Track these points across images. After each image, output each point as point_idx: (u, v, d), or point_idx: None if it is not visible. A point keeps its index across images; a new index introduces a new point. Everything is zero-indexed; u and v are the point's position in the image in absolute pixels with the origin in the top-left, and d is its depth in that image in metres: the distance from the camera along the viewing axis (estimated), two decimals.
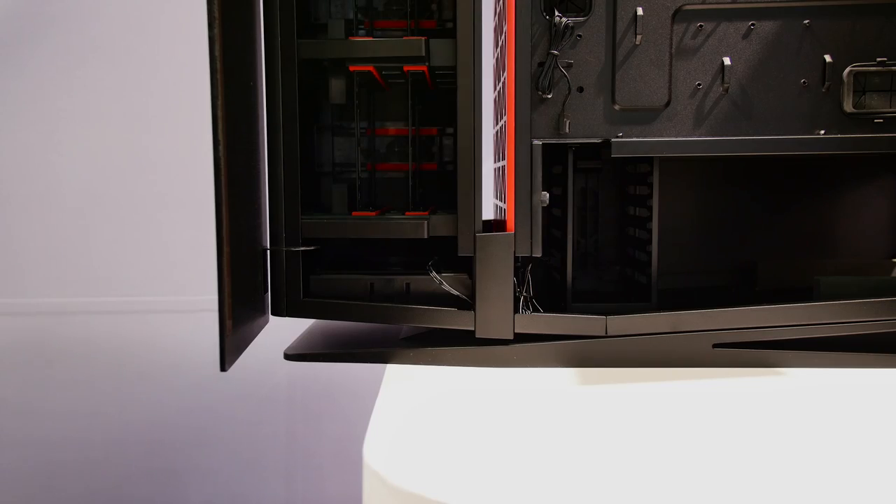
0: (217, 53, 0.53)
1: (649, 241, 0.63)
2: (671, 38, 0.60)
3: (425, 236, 0.62)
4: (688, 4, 0.60)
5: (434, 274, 0.62)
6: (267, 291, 0.63)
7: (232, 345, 0.54)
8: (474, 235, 0.60)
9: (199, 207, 1.20)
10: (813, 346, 0.61)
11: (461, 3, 0.59)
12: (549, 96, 0.60)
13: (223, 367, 0.53)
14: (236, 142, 0.56)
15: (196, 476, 1.32)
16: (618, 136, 0.60)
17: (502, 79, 0.64)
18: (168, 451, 1.31)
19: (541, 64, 0.60)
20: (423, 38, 0.60)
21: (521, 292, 0.62)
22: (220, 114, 0.53)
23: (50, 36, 1.21)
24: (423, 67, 0.61)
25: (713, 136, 0.61)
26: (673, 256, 0.72)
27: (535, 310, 0.62)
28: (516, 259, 0.62)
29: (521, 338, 0.60)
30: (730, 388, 0.57)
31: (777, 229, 0.75)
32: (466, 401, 0.53)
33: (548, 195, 0.60)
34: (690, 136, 0.61)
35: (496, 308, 0.61)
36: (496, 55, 0.74)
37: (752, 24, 0.60)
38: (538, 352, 0.61)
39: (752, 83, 0.60)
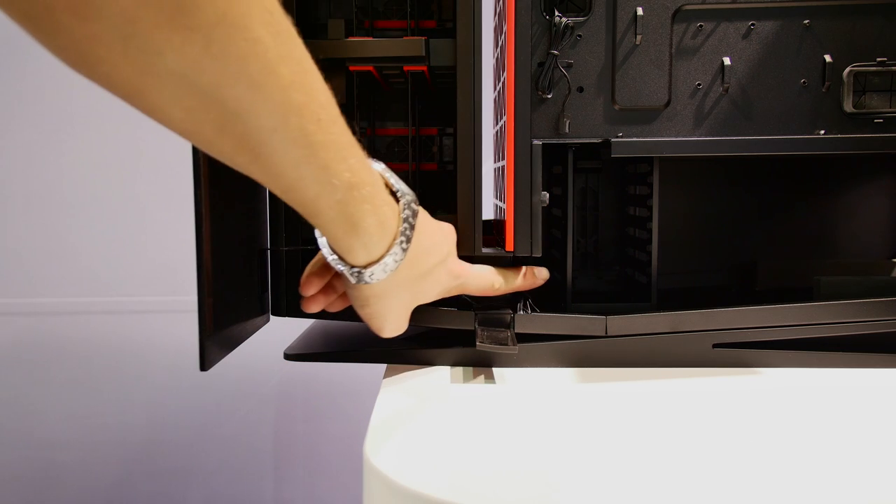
0: None
1: (649, 241, 0.63)
2: (671, 38, 0.60)
3: None
4: (688, 4, 0.60)
5: None
6: (267, 291, 0.63)
7: (213, 345, 0.54)
8: (474, 237, 0.60)
9: None
10: (813, 346, 0.61)
11: (461, 3, 0.59)
12: (549, 96, 0.60)
13: (203, 367, 0.53)
14: None
15: (196, 476, 1.32)
16: (618, 136, 0.61)
17: (502, 79, 0.64)
18: (168, 450, 1.31)
19: (541, 64, 0.60)
20: (423, 38, 0.60)
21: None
22: None
23: None
24: (423, 67, 0.61)
25: (713, 136, 0.61)
26: (673, 256, 0.72)
27: (535, 310, 0.62)
28: (516, 259, 0.62)
29: (521, 338, 0.60)
30: (730, 388, 0.57)
31: (777, 229, 0.75)
32: (466, 400, 0.53)
33: (548, 195, 0.60)
34: (690, 136, 0.61)
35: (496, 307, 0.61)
36: (496, 55, 0.75)
37: (752, 24, 0.60)
38: (538, 352, 0.61)
39: (752, 83, 0.60)
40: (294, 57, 0.40)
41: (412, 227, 0.50)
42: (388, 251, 0.49)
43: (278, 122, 0.40)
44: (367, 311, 0.54)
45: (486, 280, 0.59)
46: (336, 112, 0.44)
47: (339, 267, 0.50)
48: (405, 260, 0.50)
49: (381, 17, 0.69)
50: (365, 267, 0.49)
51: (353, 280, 0.50)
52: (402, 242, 0.49)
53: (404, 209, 0.50)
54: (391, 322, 0.55)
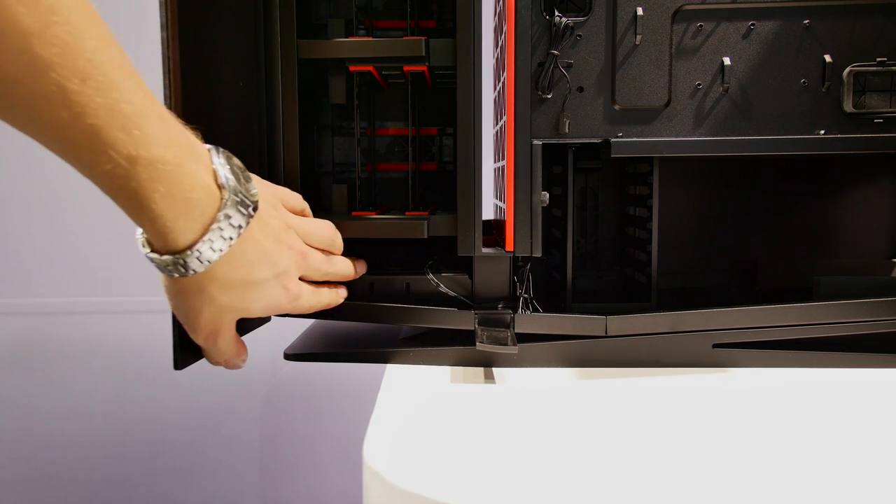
0: (171, 54, 0.53)
1: (649, 241, 0.63)
2: (671, 38, 0.60)
3: (425, 236, 0.62)
4: (688, 4, 0.60)
5: (431, 276, 0.62)
6: None
7: (190, 344, 0.52)
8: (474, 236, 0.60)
9: None
10: (813, 346, 0.61)
11: (461, 3, 0.59)
12: (549, 96, 0.60)
13: (176, 366, 0.51)
14: (216, 141, 0.56)
15: (196, 476, 1.32)
16: (618, 136, 0.61)
17: (502, 79, 0.64)
18: (168, 450, 1.31)
19: (541, 64, 0.60)
20: (423, 38, 0.60)
21: (521, 293, 0.62)
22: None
23: None
24: (423, 67, 0.61)
25: (713, 136, 0.61)
26: (673, 256, 0.72)
27: (535, 310, 0.62)
28: (516, 259, 0.62)
29: (521, 338, 0.60)
30: (730, 388, 0.57)
31: (777, 229, 0.75)
32: (466, 401, 0.53)
33: (548, 195, 0.60)
34: (690, 136, 0.61)
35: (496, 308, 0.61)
36: (496, 55, 0.75)
37: (752, 24, 0.60)
38: (538, 352, 0.61)
39: (752, 83, 0.60)
40: (47, 5, 0.36)
41: (237, 228, 0.44)
42: (192, 245, 0.43)
43: (23, 73, 0.36)
44: (172, 305, 0.47)
45: (321, 303, 0.56)
46: (122, 76, 0.39)
47: (140, 247, 0.45)
48: (221, 261, 0.44)
49: (381, 17, 0.69)
50: (161, 255, 0.43)
51: (153, 264, 0.45)
52: (210, 241, 0.43)
53: (226, 206, 0.44)
54: (202, 327, 0.48)
